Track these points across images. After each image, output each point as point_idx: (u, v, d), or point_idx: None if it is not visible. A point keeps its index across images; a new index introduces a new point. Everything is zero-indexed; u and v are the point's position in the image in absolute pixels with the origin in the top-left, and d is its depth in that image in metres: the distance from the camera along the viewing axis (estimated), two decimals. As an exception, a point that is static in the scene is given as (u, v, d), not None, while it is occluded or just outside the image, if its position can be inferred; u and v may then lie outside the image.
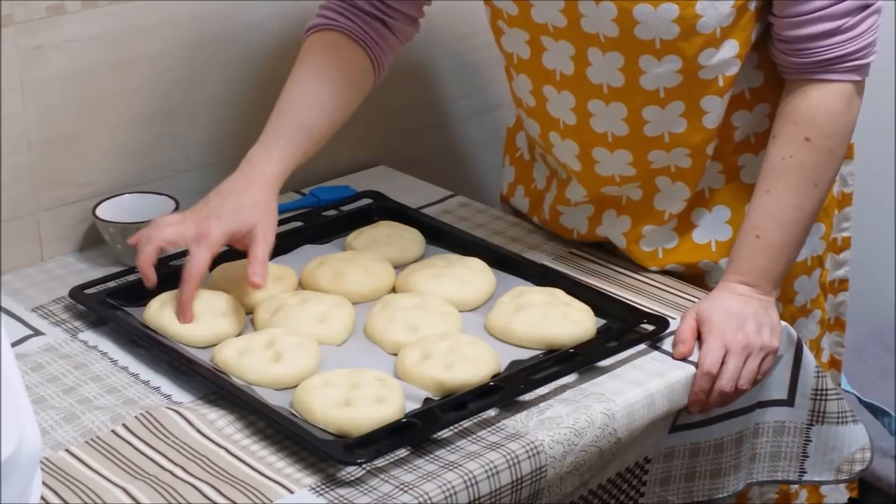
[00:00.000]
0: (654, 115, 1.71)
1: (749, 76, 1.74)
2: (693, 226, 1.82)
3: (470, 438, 1.49)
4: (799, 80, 1.67)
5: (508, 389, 1.54)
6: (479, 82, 2.34)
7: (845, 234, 1.94)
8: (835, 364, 2.01)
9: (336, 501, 1.39)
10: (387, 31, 1.82)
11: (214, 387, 1.55)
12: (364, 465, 1.43)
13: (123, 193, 1.90)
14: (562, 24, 1.68)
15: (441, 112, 2.29)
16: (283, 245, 1.84)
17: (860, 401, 2.06)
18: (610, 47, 1.66)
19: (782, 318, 1.74)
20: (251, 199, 1.68)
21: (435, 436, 1.48)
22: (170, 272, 1.78)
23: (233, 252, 1.81)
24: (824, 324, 1.95)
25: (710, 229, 1.81)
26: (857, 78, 1.67)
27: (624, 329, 1.68)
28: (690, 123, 1.72)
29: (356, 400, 1.49)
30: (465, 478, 1.43)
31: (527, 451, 1.48)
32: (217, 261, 1.79)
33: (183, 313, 1.64)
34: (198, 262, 1.64)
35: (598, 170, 1.78)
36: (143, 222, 1.82)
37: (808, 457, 1.76)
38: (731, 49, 1.67)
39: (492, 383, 1.55)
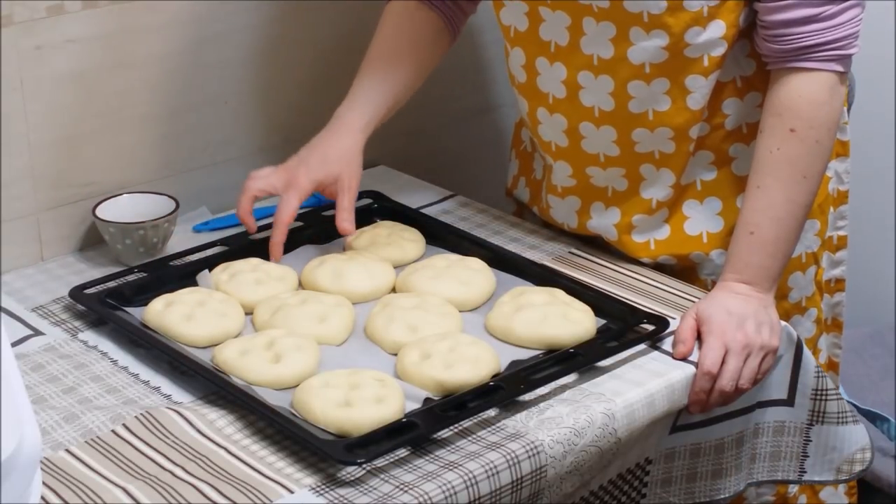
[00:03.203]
0: (640, 91, 1.73)
1: (740, 64, 1.76)
2: (684, 217, 1.82)
3: (470, 438, 1.49)
4: (781, 69, 1.69)
5: (508, 389, 1.54)
6: (479, 82, 2.34)
7: (841, 233, 1.94)
8: (832, 366, 2.01)
9: (336, 501, 1.39)
10: None
11: (214, 387, 1.55)
12: (364, 465, 1.43)
13: (123, 193, 1.90)
14: None
15: (441, 112, 2.29)
16: (283, 245, 1.84)
17: (858, 409, 2.06)
18: (603, 17, 1.69)
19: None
20: (338, 149, 1.79)
21: (435, 436, 1.48)
22: (168, 272, 1.78)
23: (233, 252, 1.82)
24: (821, 324, 1.95)
25: (702, 221, 1.82)
26: (839, 69, 1.68)
27: (624, 329, 1.68)
28: (675, 102, 1.73)
29: (356, 400, 1.49)
30: (465, 478, 1.43)
31: (527, 451, 1.48)
32: (217, 261, 1.80)
33: (273, 254, 1.77)
34: (287, 208, 1.77)
35: (584, 146, 1.80)
36: (142, 222, 1.83)
37: (808, 457, 1.76)
38: (717, 29, 1.68)
39: (492, 383, 1.55)
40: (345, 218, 1.78)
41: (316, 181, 1.78)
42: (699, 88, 1.73)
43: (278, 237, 1.77)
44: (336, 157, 1.79)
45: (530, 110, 1.84)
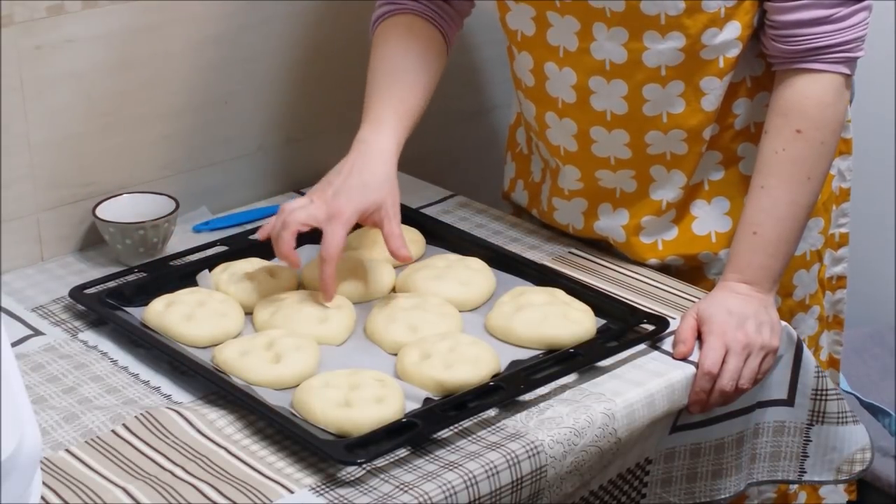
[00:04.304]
0: (654, 94, 1.72)
1: (751, 64, 1.76)
2: (692, 217, 1.82)
3: (470, 438, 1.49)
4: (788, 70, 1.69)
5: (508, 389, 1.54)
6: (478, 82, 2.34)
7: (843, 230, 1.95)
8: (833, 363, 2.02)
9: (336, 501, 1.39)
10: (449, 7, 1.87)
11: (214, 387, 1.55)
12: (364, 465, 1.43)
13: (123, 193, 1.90)
14: None
15: (441, 112, 2.29)
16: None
17: (860, 402, 2.06)
18: (615, 22, 1.68)
19: (780, 311, 1.74)
20: (375, 175, 1.71)
21: (435, 436, 1.48)
22: (168, 272, 1.78)
23: (233, 252, 1.82)
24: (823, 321, 1.95)
25: (710, 221, 1.82)
26: (846, 71, 1.68)
27: (624, 329, 1.68)
28: (689, 104, 1.73)
29: (356, 400, 1.49)
30: (465, 478, 1.43)
31: (527, 451, 1.48)
32: (217, 261, 1.80)
33: (326, 291, 1.67)
34: (335, 240, 1.66)
35: (594, 150, 1.79)
36: (142, 222, 1.83)
37: (808, 457, 1.76)
38: (733, 30, 1.68)
39: (492, 383, 1.55)
40: (399, 245, 1.69)
41: (359, 210, 1.68)
42: (713, 90, 1.72)
43: (329, 272, 1.66)
44: (376, 183, 1.70)
45: (538, 114, 1.83)
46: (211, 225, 1.97)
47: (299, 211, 1.68)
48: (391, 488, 1.41)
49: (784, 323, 1.71)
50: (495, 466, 1.45)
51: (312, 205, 1.69)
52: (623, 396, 1.57)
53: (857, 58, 1.68)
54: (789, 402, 1.73)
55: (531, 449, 1.48)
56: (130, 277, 1.78)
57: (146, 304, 1.70)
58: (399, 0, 1.84)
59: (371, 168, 1.72)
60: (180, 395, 1.57)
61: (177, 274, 1.78)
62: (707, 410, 1.66)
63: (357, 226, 1.89)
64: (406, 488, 1.41)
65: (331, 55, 2.10)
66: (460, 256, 1.82)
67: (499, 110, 2.35)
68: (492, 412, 1.53)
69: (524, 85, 1.84)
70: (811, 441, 1.75)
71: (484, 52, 2.30)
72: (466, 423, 1.51)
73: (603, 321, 1.70)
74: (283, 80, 2.07)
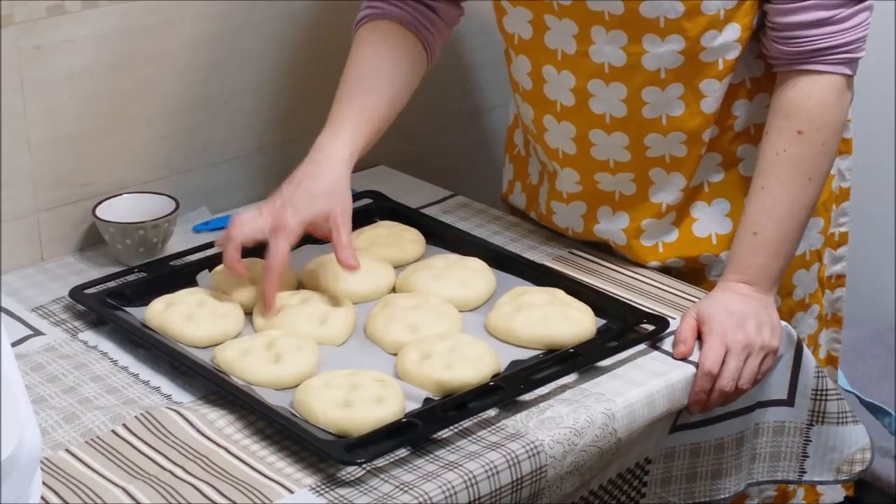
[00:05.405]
0: (654, 97, 1.72)
1: (750, 66, 1.76)
2: (693, 219, 1.82)
3: (470, 438, 1.49)
4: (790, 72, 1.69)
5: (508, 389, 1.54)
6: (478, 82, 2.34)
7: (843, 230, 1.95)
8: (832, 361, 2.02)
9: (336, 501, 1.39)
10: (434, 15, 1.84)
11: (214, 387, 1.55)
12: (364, 465, 1.43)
13: (123, 193, 1.90)
14: (567, 1, 1.69)
15: (441, 112, 2.29)
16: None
17: (861, 400, 2.06)
18: (614, 25, 1.68)
19: (780, 311, 1.74)
20: (324, 185, 1.68)
21: (435, 436, 1.48)
22: (168, 272, 1.78)
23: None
24: (822, 319, 1.95)
25: (711, 222, 1.82)
26: (848, 72, 1.68)
27: (624, 329, 1.68)
28: (688, 107, 1.73)
29: (356, 400, 1.49)
30: (465, 478, 1.43)
31: (527, 451, 1.48)
32: (217, 261, 1.80)
33: (267, 305, 1.66)
34: (277, 254, 1.65)
35: (593, 153, 1.79)
36: (143, 222, 1.83)
37: (807, 457, 1.76)
38: (732, 32, 1.68)
39: (492, 383, 1.55)
40: (348, 255, 1.67)
41: (305, 221, 1.66)
42: (713, 92, 1.72)
43: (271, 286, 1.65)
44: (324, 193, 1.67)
45: (536, 118, 1.83)
46: (211, 225, 1.98)
47: (245, 226, 1.67)
48: (391, 488, 1.41)
49: (784, 323, 1.71)
50: (495, 466, 1.45)
51: (260, 218, 1.67)
52: (623, 396, 1.57)
53: (858, 58, 1.68)
54: (789, 402, 1.73)
55: (531, 449, 1.48)
56: (130, 277, 1.78)
57: (146, 304, 1.70)
58: (381, 6, 1.83)
59: (321, 177, 1.69)
60: (180, 395, 1.57)
61: (177, 274, 1.78)
62: (707, 410, 1.66)
63: (354, 226, 1.89)
64: (406, 488, 1.41)
65: (329, 55, 2.10)
66: (460, 256, 1.82)
67: (499, 110, 2.35)
68: (492, 412, 1.53)
69: (521, 88, 1.83)
70: (811, 441, 1.75)
71: (485, 52, 2.30)
72: (466, 423, 1.51)
73: (603, 321, 1.70)
74: (282, 80, 2.07)
